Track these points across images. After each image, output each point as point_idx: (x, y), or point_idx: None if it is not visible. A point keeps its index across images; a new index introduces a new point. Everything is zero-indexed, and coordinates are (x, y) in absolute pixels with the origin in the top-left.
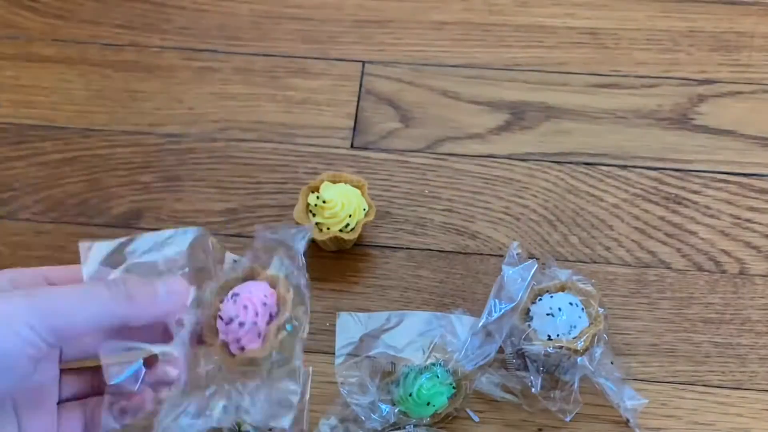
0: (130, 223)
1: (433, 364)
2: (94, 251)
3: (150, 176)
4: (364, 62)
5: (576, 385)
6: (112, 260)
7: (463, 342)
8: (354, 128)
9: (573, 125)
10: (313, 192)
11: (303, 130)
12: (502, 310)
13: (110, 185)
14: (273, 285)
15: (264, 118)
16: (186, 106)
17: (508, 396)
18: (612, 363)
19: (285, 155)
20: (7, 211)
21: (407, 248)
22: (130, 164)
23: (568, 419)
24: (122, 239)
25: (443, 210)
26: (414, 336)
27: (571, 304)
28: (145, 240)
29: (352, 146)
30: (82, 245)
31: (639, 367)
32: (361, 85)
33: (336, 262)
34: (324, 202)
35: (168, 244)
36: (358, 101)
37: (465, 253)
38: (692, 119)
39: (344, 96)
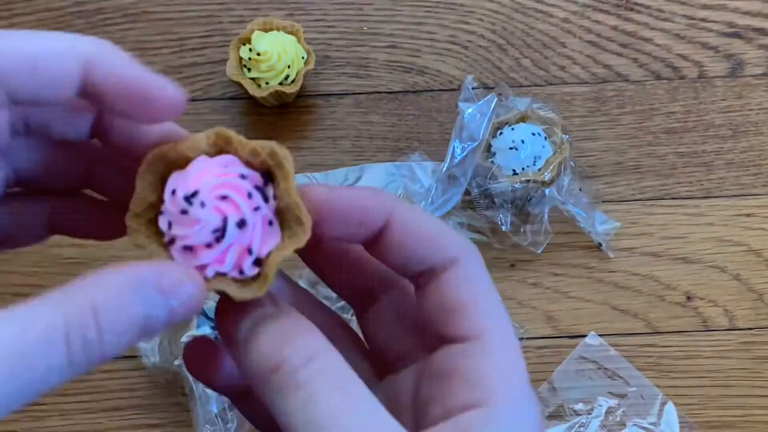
0: None
1: None
2: None
3: None
4: None
5: (546, 216)
6: None
7: (428, 189)
8: None
9: None
10: (244, 44)
11: None
12: (465, 151)
13: None
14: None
15: None
16: None
17: (477, 236)
18: (580, 190)
19: (205, 4)
20: None
21: (353, 93)
22: None
23: (539, 251)
24: None
25: (386, 47)
26: None
27: (533, 134)
28: None
29: None
30: None
31: (606, 189)
32: None
33: (280, 118)
34: (258, 54)
35: None
36: None
37: (415, 92)
38: None
39: None
